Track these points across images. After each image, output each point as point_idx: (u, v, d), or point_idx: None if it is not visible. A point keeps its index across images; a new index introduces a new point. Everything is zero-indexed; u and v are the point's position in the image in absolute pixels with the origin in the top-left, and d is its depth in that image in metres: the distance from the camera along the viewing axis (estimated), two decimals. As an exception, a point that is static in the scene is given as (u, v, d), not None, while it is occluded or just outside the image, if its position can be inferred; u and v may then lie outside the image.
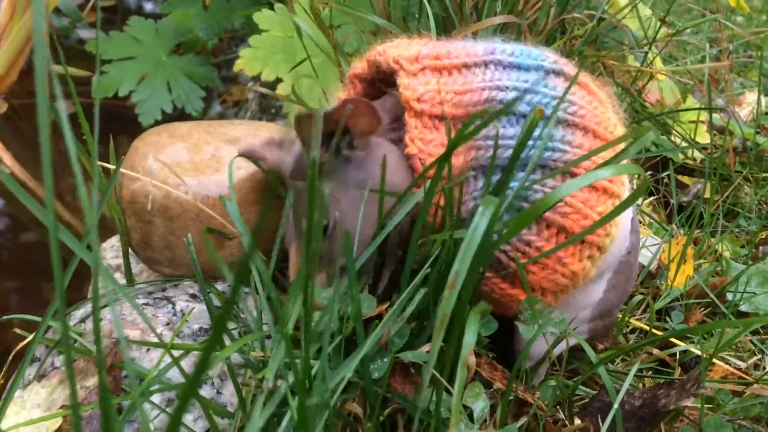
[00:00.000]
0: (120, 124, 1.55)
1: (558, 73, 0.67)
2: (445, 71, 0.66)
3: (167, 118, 1.48)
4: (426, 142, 0.63)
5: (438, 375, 0.56)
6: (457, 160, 0.64)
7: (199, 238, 0.72)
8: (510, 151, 0.63)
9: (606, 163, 0.58)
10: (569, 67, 0.69)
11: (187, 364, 0.61)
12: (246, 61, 1.14)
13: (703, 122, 1.42)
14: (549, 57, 0.69)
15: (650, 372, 0.83)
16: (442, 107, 0.64)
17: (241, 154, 0.72)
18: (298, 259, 0.65)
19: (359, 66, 0.72)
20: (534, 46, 0.71)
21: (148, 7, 2.26)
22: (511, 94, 0.65)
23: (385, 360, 0.57)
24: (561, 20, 0.99)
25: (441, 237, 0.56)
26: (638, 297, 0.90)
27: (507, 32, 0.97)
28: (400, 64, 0.66)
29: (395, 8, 1.03)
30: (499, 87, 0.65)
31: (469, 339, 0.42)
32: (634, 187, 0.78)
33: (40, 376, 0.63)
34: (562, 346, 0.68)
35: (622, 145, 0.60)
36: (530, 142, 0.63)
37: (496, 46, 0.68)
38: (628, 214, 0.69)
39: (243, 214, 0.74)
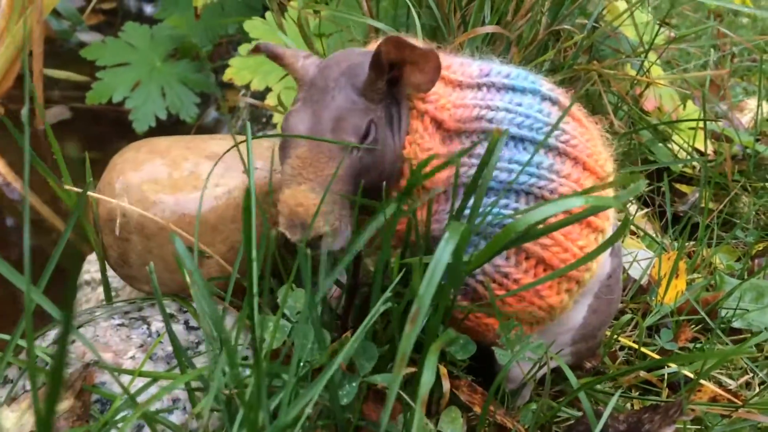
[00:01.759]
0: (118, 129, 1.55)
1: (553, 102, 0.66)
2: (442, 80, 0.65)
3: (162, 124, 1.48)
4: (423, 150, 0.62)
5: (410, 400, 0.55)
6: (440, 176, 0.62)
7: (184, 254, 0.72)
8: (500, 174, 0.62)
9: (585, 192, 0.56)
10: (564, 98, 0.68)
11: (157, 389, 0.60)
12: (235, 71, 1.13)
13: (702, 129, 1.40)
14: (545, 84, 0.67)
15: (640, 392, 0.82)
16: (443, 113, 0.63)
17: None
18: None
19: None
20: (530, 71, 0.69)
21: (148, 10, 2.26)
22: (501, 114, 0.64)
23: (354, 384, 0.56)
24: (552, 31, 0.97)
25: (411, 261, 0.55)
26: (628, 315, 0.88)
27: (496, 43, 0.96)
28: None
29: (385, 18, 1.02)
30: (490, 106, 0.64)
31: (427, 377, 0.41)
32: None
33: (11, 399, 0.62)
34: (545, 368, 0.67)
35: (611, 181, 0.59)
36: (515, 167, 0.62)
37: (492, 68, 0.67)
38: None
39: (222, 231, 0.73)
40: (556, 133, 0.64)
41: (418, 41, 0.68)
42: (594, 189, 0.57)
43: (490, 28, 0.83)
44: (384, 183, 0.62)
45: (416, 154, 0.62)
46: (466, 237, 0.48)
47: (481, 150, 0.63)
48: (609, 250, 0.67)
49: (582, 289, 0.65)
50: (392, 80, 0.62)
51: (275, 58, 0.67)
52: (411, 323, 0.41)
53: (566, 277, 0.63)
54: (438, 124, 0.63)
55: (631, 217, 1.10)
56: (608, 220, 0.66)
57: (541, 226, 0.54)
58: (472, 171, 0.62)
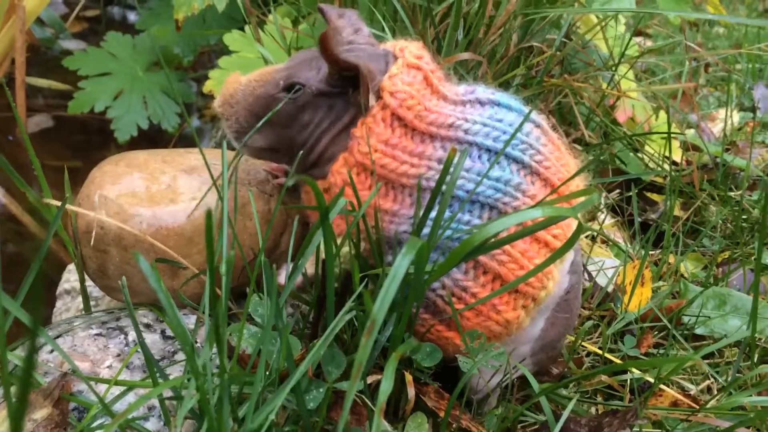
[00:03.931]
0: (100, 138, 1.57)
1: (536, 124, 0.69)
2: (429, 87, 0.68)
3: (144, 133, 1.50)
4: (372, 133, 0.66)
5: (373, 407, 0.57)
6: (409, 171, 0.66)
7: (154, 267, 0.74)
8: (466, 184, 0.65)
9: (539, 206, 0.59)
10: (547, 124, 0.71)
11: (134, 397, 0.63)
12: (215, 83, 1.15)
13: (675, 137, 1.44)
14: (528, 107, 0.71)
15: (604, 396, 0.85)
16: (406, 112, 0.66)
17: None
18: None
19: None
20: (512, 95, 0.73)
21: (132, 17, 2.27)
22: (477, 127, 0.66)
23: (321, 390, 0.58)
24: (522, 48, 1.00)
25: (373, 272, 0.57)
26: (593, 322, 0.91)
27: (468, 60, 0.99)
28: (404, 53, 0.69)
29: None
30: (467, 119, 0.67)
31: (385, 386, 0.43)
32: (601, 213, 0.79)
33: (-9, 408, 0.64)
34: (514, 373, 0.70)
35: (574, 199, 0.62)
36: (484, 179, 0.65)
37: (477, 88, 0.71)
38: (569, 256, 0.70)
39: (197, 243, 0.75)
40: (530, 152, 0.67)
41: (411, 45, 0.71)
42: (552, 201, 0.59)
43: (466, 55, 0.87)
44: (300, 154, 0.71)
45: (363, 134, 0.66)
46: (423, 252, 0.50)
47: (444, 156, 0.65)
48: (568, 267, 0.70)
49: (538, 306, 0.68)
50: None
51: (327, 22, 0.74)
52: (366, 335, 0.43)
53: (522, 293, 0.66)
54: (399, 120, 0.66)
55: (599, 227, 1.13)
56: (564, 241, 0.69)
57: (500, 236, 0.57)
58: (436, 177, 0.65)
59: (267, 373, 0.55)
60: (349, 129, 0.68)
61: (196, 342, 0.71)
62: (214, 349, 0.66)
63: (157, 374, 0.57)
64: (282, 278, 0.66)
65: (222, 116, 0.74)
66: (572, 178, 0.67)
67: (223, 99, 0.73)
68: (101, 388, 0.64)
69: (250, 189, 0.78)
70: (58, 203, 0.70)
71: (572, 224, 0.68)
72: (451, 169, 0.60)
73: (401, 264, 0.46)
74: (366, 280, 0.62)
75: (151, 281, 0.47)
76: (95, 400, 0.63)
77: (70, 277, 0.96)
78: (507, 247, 0.64)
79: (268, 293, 0.59)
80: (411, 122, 0.66)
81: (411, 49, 0.70)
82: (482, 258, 0.64)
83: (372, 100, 0.66)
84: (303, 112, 0.70)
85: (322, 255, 0.60)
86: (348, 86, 0.68)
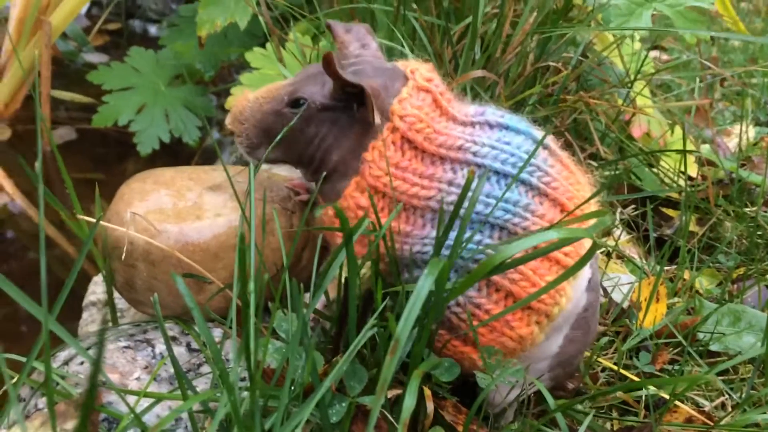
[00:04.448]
0: (122, 151, 1.60)
1: (544, 146, 0.71)
2: (439, 109, 0.70)
3: (165, 147, 1.52)
4: (382, 157, 0.68)
5: (394, 421, 0.59)
6: (422, 193, 0.68)
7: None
8: (477, 206, 0.66)
9: (555, 227, 0.61)
10: (555, 145, 0.73)
11: (162, 408, 0.65)
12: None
13: (691, 153, 1.45)
14: (538, 130, 0.72)
15: (619, 412, 0.86)
16: (415, 135, 0.68)
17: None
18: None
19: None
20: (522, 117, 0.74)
21: (153, 31, 2.32)
22: (486, 150, 0.68)
23: (343, 404, 0.60)
24: (538, 67, 1.02)
25: (393, 290, 0.59)
26: (608, 338, 0.92)
27: (485, 77, 1.01)
28: (414, 75, 0.70)
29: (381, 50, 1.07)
30: (476, 141, 0.69)
31: (409, 402, 0.45)
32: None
33: (24, 417, 0.67)
34: (530, 388, 0.71)
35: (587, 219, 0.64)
36: (492, 201, 0.66)
37: (486, 109, 0.73)
38: (586, 274, 0.71)
39: (222, 258, 0.78)
40: (538, 174, 0.68)
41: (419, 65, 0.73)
42: (566, 223, 0.61)
43: (479, 73, 0.89)
44: (310, 169, 0.75)
45: (374, 158, 0.68)
46: (445, 272, 0.52)
47: (463, 181, 0.67)
48: (585, 285, 0.71)
49: (552, 322, 0.69)
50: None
51: (334, 38, 0.77)
52: (391, 354, 0.45)
53: (535, 310, 0.67)
54: (409, 143, 0.68)
55: (615, 243, 1.14)
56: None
57: (515, 256, 0.58)
58: (449, 198, 0.67)
59: (292, 387, 0.57)
60: (357, 146, 0.70)
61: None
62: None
63: (186, 387, 0.59)
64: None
65: (233, 133, 0.76)
66: (587, 201, 0.69)
67: (233, 116, 0.76)
68: (131, 399, 0.66)
69: (274, 206, 0.81)
70: (92, 220, 0.72)
71: (584, 242, 0.69)
72: (470, 194, 0.62)
73: (424, 284, 0.48)
74: (387, 297, 0.64)
75: (187, 299, 0.50)
76: (125, 411, 0.66)
77: (96, 289, 0.98)
78: (519, 265, 0.66)
79: (293, 309, 0.61)
80: (421, 144, 0.68)
81: (421, 72, 0.72)
82: (495, 276, 0.66)
83: (377, 119, 0.68)
84: (308, 126, 0.72)
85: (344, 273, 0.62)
86: (352, 101, 0.70)
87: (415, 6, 1.05)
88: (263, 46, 1.26)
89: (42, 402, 0.68)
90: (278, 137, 0.71)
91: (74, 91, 1.78)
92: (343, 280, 0.66)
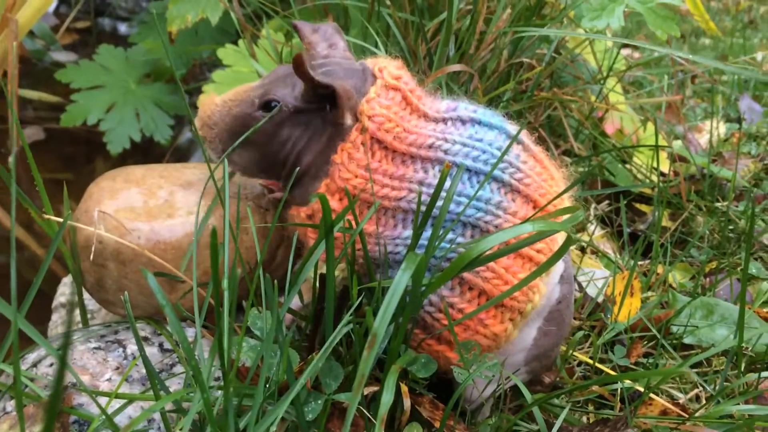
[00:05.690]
0: (92, 150, 1.57)
1: (517, 141, 0.70)
2: (409, 107, 0.69)
3: (136, 146, 1.50)
4: (352, 159, 0.67)
5: (371, 418, 0.59)
6: (390, 194, 0.67)
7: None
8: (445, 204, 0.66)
9: (527, 223, 0.61)
10: (529, 140, 0.72)
11: (134, 409, 0.63)
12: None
13: (663, 149, 1.46)
14: (511, 125, 0.72)
15: (595, 406, 0.87)
16: (385, 135, 0.67)
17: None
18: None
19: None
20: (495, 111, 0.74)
21: (122, 29, 2.28)
22: (456, 147, 0.68)
23: (319, 402, 0.59)
24: (512, 63, 1.02)
25: (369, 286, 0.59)
26: (584, 332, 0.93)
27: (460, 74, 1.01)
28: (383, 74, 0.70)
29: (353, 48, 1.06)
30: (447, 139, 0.68)
31: (387, 398, 0.45)
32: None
33: (-9, 421, 0.65)
34: (504, 387, 0.71)
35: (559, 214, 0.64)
36: (463, 200, 0.66)
37: (459, 104, 0.72)
38: (559, 267, 0.71)
39: (198, 256, 0.76)
40: (510, 170, 0.68)
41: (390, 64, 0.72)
42: (540, 218, 0.61)
43: (457, 67, 0.88)
44: (283, 173, 0.73)
45: (343, 160, 0.67)
46: (422, 267, 0.52)
47: (434, 180, 0.67)
48: (557, 278, 0.71)
49: (525, 319, 0.69)
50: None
51: (301, 38, 0.76)
52: (368, 348, 0.44)
53: (509, 308, 0.67)
54: (379, 143, 0.67)
55: (589, 238, 1.15)
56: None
57: (488, 252, 0.58)
58: (423, 198, 0.66)
59: (267, 385, 0.56)
60: (328, 148, 0.69)
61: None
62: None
63: (158, 387, 0.58)
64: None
65: (203, 139, 0.74)
66: (560, 195, 0.69)
67: (202, 122, 0.74)
68: (102, 401, 0.65)
69: (248, 203, 0.80)
70: (60, 219, 0.70)
71: (557, 238, 0.69)
72: (443, 193, 0.61)
73: (401, 279, 0.48)
74: (362, 294, 0.64)
75: (159, 297, 0.48)
76: (96, 412, 0.64)
77: (65, 291, 0.96)
78: (491, 263, 0.65)
79: (267, 306, 0.60)
80: (390, 144, 0.67)
81: (390, 69, 0.71)
82: (467, 275, 0.66)
83: (349, 120, 0.67)
84: (281, 129, 0.71)
85: (321, 271, 0.61)
86: (324, 102, 0.69)
87: (388, 2, 1.05)
88: (235, 43, 1.24)
89: (11, 405, 0.66)
90: (244, 135, 0.69)
91: (42, 90, 1.75)
92: (318, 277, 0.65)
